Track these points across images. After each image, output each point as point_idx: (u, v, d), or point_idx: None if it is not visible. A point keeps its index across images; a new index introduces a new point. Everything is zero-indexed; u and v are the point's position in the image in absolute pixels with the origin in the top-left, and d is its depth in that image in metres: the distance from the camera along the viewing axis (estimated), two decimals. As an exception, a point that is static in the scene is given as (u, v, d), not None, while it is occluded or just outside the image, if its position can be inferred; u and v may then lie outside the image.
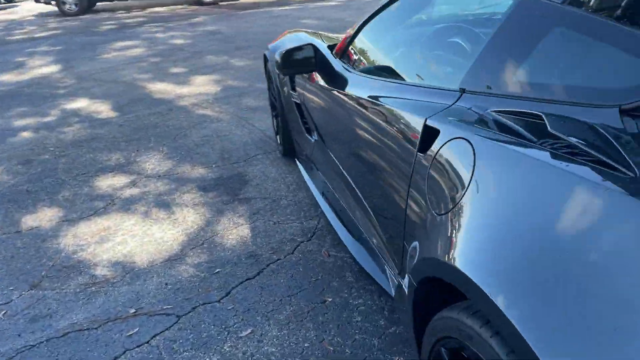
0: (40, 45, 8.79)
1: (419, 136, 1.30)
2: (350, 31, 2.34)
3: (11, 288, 2.31)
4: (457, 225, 1.03)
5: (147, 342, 1.93)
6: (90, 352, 1.90)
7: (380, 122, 1.61)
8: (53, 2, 13.03)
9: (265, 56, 3.41)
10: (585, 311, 0.71)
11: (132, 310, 2.11)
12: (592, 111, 0.97)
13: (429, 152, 1.24)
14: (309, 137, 2.75)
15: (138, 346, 1.92)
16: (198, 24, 10.62)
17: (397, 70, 1.90)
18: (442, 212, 1.09)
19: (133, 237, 2.66)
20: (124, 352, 1.89)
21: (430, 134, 1.27)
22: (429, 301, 1.22)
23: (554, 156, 0.92)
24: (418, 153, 1.29)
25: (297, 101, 2.79)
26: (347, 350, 1.83)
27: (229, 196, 3.03)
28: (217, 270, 2.34)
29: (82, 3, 13.06)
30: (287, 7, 12.03)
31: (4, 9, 16.13)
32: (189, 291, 2.20)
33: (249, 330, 1.96)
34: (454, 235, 1.03)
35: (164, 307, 2.12)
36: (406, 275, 1.37)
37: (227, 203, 2.94)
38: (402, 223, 1.40)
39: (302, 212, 2.78)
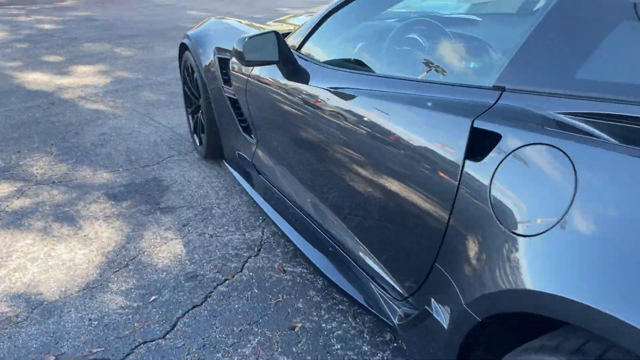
0: None
1: (466, 140, 1.10)
2: (306, 21, 2.09)
3: None
4: (560, 246, 0.85)
5: (80, 401, 1.51)
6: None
7: (386, 123, 1.39)
8: None
9: (184, 45, 3.00)
10: None
11: (52, 358, 1.65)
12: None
13: (486, 160, 1.05)
14: (248, 137, 2.43)
15: (68, 408, 1.49)
16: (67, 8, 9.48)
17: (391, 66, 1.69)
18: (533, 232, 0.90)
19: (33, 261, 2.14)
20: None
21: (481, 138, 1.08)
22: (490, 340, 1.04)
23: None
24: (466, 160, 1.09)
25: (233, 96, 2.46)
26: (333, 385, 1.59)
27: (148, 205, 2.59)
28: (153, 297, 1.94)
29: None
30: (168, -4, 11.25)
31: None
32: (122, 327, 1.79)
33: (211, 372, 1.62)
34: (557, 258, 0.84)
35: (94, 351, 1.69)
36: (441, 307, 1.17)
37: (148, 214, 2.51)
38: (437, 243, 1.19)
39: (240, 222, 2.45)
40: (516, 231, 0.94)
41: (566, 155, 0.90)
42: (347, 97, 1.59)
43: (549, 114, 1.01)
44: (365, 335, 1.78)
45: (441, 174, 1.16)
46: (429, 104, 1.27)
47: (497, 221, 0.99)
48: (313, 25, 1.93)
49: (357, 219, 1.62)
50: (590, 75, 1.04)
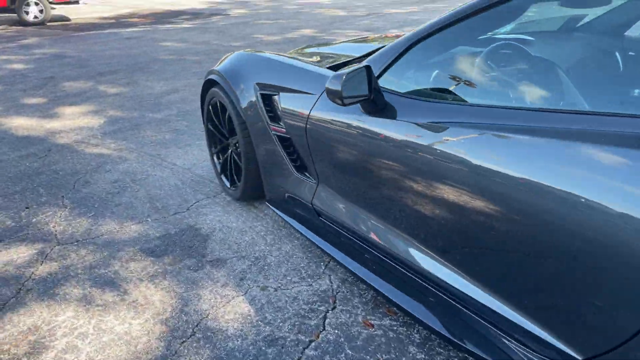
0: None
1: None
2: (375, 50, 1.93)
3: None
4: None
5: None
6: None
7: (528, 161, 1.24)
8: None
9: (210, 81, 2.79)
10: None
11: None
12: None
13: None
14: (305, 177, 2.24)
15: None
16: (31, 46, 9.08)
17: (521, 95, 1.55)
18: None
19: (84, 338, 1.87)
20: None
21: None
22: None
23: None
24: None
25: (283, 135, 2.27)
26: None
27: (193, 259, 2.35)
28: (237, 370, 1.71)
29: None
30: (134, 29, 10.98)
31: None
32: (214, 411, 1.55)
33: None
34: None
35: None
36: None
37: (197, 269, 2.27)
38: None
39: (302, 270, 2.24)
40: None
41: None
42: (457, 132, 1.43)
43: None
44: (491, 394, 1.59)
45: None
46: (602, 139, 1.12)
47: None
48: (394, 55, 1.77)
49: (488, 263, 1.45)
50: None
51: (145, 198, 2.97)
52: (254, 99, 2.41)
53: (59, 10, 14.00)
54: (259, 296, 2.07)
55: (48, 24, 11.99)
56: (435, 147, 1.51)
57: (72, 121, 4.50)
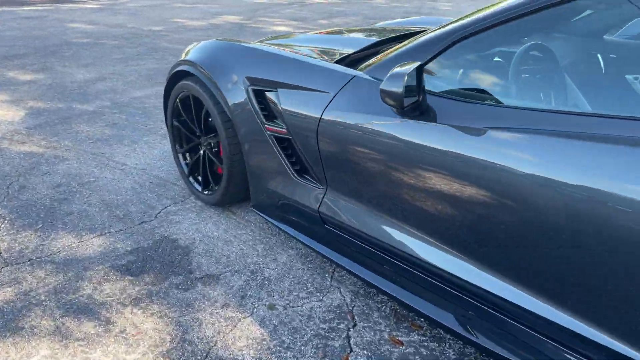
0: None
1: None
2: (403, 44, 1.78)
3: None
4: None
5: None
6: None
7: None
8: None
9: (181, 72, 2.49)
10: None
11: None
12: None
13: None
14: (310, 183, 2.04)
15: None
16: None
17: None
18: None
19: (72, 384, 1.55)
20: None
21: None
22: None
23: None
24: None
25: (283, 135, 2.05)
26: None
27: (179, 276, 2.07)
28: (270, 408, 1.50)
29: None
30: (33, 8, 9.91)
31: None
32: None
33: None
34: None
35: None
36: None
37: (187, 288, 2.00)
38: None
39: (307, 284, 2.06)
40: None
41: None
42: (516, 138, 1.34)
43: None
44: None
45: None
46: None
47: None
48: (433, 51, 1.63)
49: (533, 266, 1.37)
50: None
51: (100, 205, 2.60)
52: (243, 94, 2.17)
53: None
54: (268, 316, 1.86)
55: None
56: (476, 152, 1.40)
57: (-16, 113, 3.88)
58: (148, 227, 2.41)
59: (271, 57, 2.15)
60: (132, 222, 2.44)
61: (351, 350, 1.72)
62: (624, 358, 1.23)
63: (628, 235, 1.14)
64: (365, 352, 1.72)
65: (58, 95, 4.41)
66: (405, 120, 1.59)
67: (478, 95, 1.59)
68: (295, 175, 2.08)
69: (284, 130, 2.05)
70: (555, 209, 1.25)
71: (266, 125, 2.11)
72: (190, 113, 2.57)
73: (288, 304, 1.93)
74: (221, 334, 1.77)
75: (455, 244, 1.56)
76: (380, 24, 3.36)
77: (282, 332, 1.79)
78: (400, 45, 1.83)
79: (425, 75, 1.64)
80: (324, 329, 1.81)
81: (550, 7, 1.43)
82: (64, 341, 1.71)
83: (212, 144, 2.54)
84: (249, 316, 1.86)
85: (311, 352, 1.71)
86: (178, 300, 1.93)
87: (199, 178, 2.68)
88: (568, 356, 1.35)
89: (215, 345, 1.72)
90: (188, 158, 2.74)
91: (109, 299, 1.92)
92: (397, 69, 1.47)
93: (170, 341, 1.73)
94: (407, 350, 1.73)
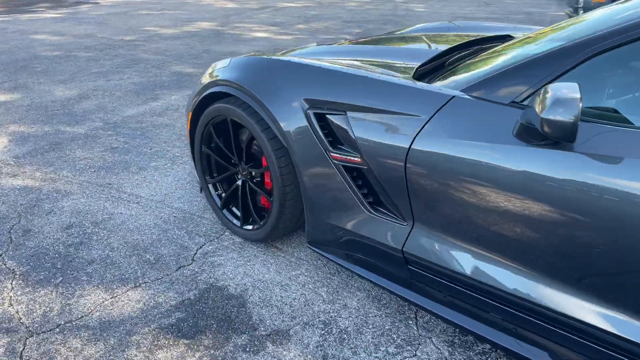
0: None
1: None
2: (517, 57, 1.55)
3: None
4: None
5: None
6: None
7: None
8: None
9: (215, 95, 2.19)
10: None
11: None
12: None
13: None
14: (390, 219, 1.78)
15: None
16: None
17: None
18: None
19: None
20: None
21: None
22: None
23: None
24: None
25: (356, 165, 1.78)
26: None
27: (243, 335, 1.77)
28: None
29: None
30: (-9, 18, 9.24)
31: None
32: None
33: None
34: None
35: None
36: None
37: (256, 350, 1.71)
38: None
39: (392, 334, 1.79)
40: None
41: None
42: None
43: None
44: None
45: None
46: None
47: None
48: (565, 66, 1.39)
49: None
50: None
51: (124, 248, 2.26)
52: (301, 118, 1.89)
53: None
54: (363, 381, 1.59)
55: None
56: (620, 184, 1.19)
57: (-39, 142, 3.44)
58: (188, 273, 2.09)
59: (336, 76, 1.87)
60: (168, 269, 2.12)
61: (472, 419, 1.47)
62: None
63: None
64: (489, 419, 1.47)
65: (41, 117, 3.99)
66: (540, 149, 1.35)
67: (619, 117, 1.37)
68: (369, 208, 1.82)
69: (356, 159, 1.78)
70: None
71: (332, 154, 1.83)
72: (226, 139, 2.27)
73: (380, 362, 1.67)
74: (315, 409, 1.49)
75: (589, 289, 1.34)
76: (399, 33, 3.11)
77: (385, 400, 1.52)
78: (490, 58, 1.60)
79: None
80: (432, 392, 1.56)
81: None
82: None
83: (252, 173, 2.24)
84: (340, 382, 1.58)
85: None
86: (251, 367, 1.63)
87: (235, 211, 2.37)
88: None
89: None
90: (220, 189, 2.43)
91: (168, 371, 1.61)
92: (560, 93, 1.22)
93: None
94: (535, 413, 1.49)
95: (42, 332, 1.76)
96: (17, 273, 2.08)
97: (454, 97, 1.57)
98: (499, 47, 1.93)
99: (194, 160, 2.47)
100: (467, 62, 1.90)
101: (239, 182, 2.30)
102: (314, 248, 2.06)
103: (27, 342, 1.72)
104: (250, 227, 2.27)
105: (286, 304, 1.93)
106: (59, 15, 10.05)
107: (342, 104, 1.80)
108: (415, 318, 1.87)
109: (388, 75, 1.84)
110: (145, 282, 2.03)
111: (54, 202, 2.65)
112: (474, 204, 1.50)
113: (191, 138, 2.45)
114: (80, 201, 2.67)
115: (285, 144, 1.95)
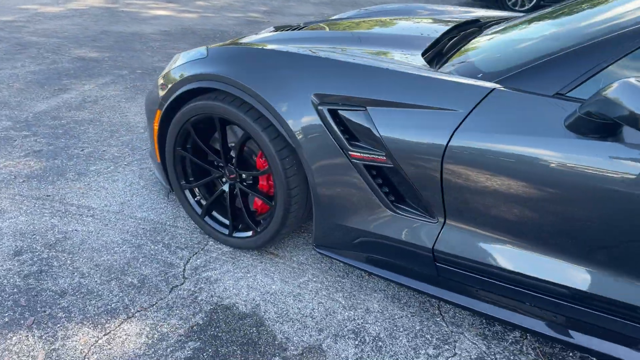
0: None
1: None
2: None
3: None
4: None
5: None
6: None
7: None
8: None
9: (195, 91, 1.94)
10: None
11: None
12: None
13: None
14: (414, 216, 1.71)
15: None
16: None
17: None
18: None
19: None
20: None
21: None
22: None
23: None
24: None
25: (379, 163, 1.68)
26: None
27: (274, 358, 1.62)
28: None
29: None
30: None
31: None
32: None
33: None
34: None
35: None
36: None
37: (295, 373, 1.57)
38: None
39: (427, 336, 1.74)
40: None
41: None
42: None
43: None
44: None
45: None
46: None
47: None
48: (623, 53, 1.39)
49: None
50: None
51: (97, 273, 1.95)
52: (313, 115, 1.73)
53: None
54: (417, 391, 1.53)
55: None
56: None
57: None
58: (184, 294, 1.86)
59: (353, 69, 1.73)
60: (159, 292, 1.87)
61: (533, 413, 1.47)
62: None
63: None
64: (548, 410, 1.48)
65: None
66: (597, 142, 1.35)
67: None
68: (392, 208, 1.73)
69: (380, 157, 1.67)
70: None
71: (351, 152, 1.70)
72: (208, 139, 2.03)
73: (426, 368, 1.61)
74: None
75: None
76: (360, 16, 3.00)
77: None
78: (511, 43, 1.56)
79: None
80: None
81: None
82: None
83: (242, 175, 2.04)
84: (395, 396, 1.50)
85: None
86: (296, 394, 1.49)
87: (220, 218, 2.16)
88: None
89: None
90: (199, 194, 2.19)
91: (207, 415, 1.41)
92: (631, 81, 1.20)
93: None
94: (585, 396, 1.54)
95: (33, 391, 1.46)
96: (-29, 319, 1.70)
97: (493, 89, 1.52)
98: (509, 30, 1.93)
99: (163, 163, 2.20)
100: (477, 47, 1.86)
101: (225, 187, 2.08)
102: (323, 252, 1.93)
103: (18, 406, 1.41)
104: (243, 234, 2.07)
105: (306, 315, 1.79)
106: None
107: (361, 99, 1.67)
108: (441, 314, 1.83)
109: (409, 67, 1.73)
110: (138, 311, 1.77)
111: (-14, 225, 2.22)
112: (515, 197, 1.47)
113: (159, 138, 2.16)
114: (20, 220, 2.26)
115: (292, 143, 1.79)
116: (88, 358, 1.57)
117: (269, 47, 1.93)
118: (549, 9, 2.13)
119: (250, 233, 2.05)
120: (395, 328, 1.75)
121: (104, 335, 1.66)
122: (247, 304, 1.83)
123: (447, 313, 1.83)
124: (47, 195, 2.47)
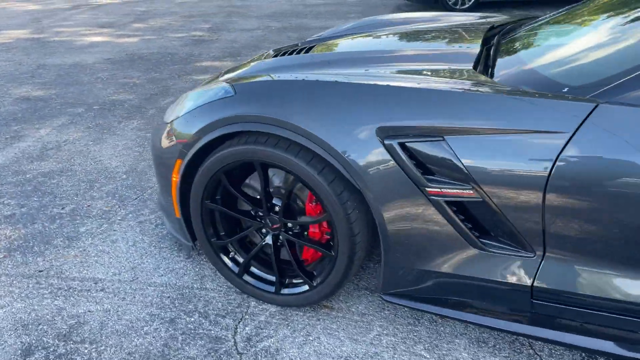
0: None
1: None
2: None
3: None
4: None
5: None
6: None
7: None
8: None
9: (227, 136, 1.67)
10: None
11: None
12: None
13: None
14: (509, 251, 1.53)
15: None
16: None
17: None
18: None
19: None
20: None
21: None
22: None
23: None
24: None
25: (466, 197, 1.48)
26: None
27: None
28: None
29: None
30: None
31: None
32: None
33: None
34: None
35: None
36: None
37: None
38: None
39: (531, 381, 1.56)
40: None
41: None
42: None
43: None
44: None
45: None
46: None
47: None
48: None
49: None
50: None
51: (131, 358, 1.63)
52: (380, 151, 1.52)
53: None
54: None
55: None
56: None
57: None
58: (247, 375, 1.58)
59: (420, 95, 1.53)
60: (216, 376, 1.58)
61: None
62: None
63: None
64: None
65: None
66: None
67: None
68: (479, 245, 1.54)
69: (466, 191, 1.48)
70: None
71: (428, 189, 1.50)
72: (245, 187, 1.77)
73: (549, 421, 1.42)
74: None
75: None
76: (346, 27, 2.80)
77: None
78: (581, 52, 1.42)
79: None
80: None
81: None
82: None
83: (288, 224, 1.79)
84: None
85: None
86: None
87: (261, 274, 1.90)
88: None
89: None
90: (232, 250, 1.91)
91: None
92: None
93: None
94: None
95: None
96: None
97: (597, 105, 1.36)
98: (557, 35, 1.79)
99: (186, 217, 1.90)
100: (536, 58, 1.71)
101: (268, 239, 1.82)
102: (393, 300, 1.71)
103: None
104: (296, 290, 1.82)
105: (397, 379, 1.56)
106: None
107: (436, 128, 1.47)
108: (536, 354, 1.66)
109: (485, 87, 1.55)
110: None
111: (-26, 320, 1.83)
112: (630, 221, 1.33)
113: (180, 191, 1.87)
114: (17, 307, 1.89)
115: (356, 185, 1.56)
116: None
117: (312, 78, 1.69)
118: (575, 7, 2.03)
119: (305, 288, 1.80)
120: (497, 378, 1.56)
121: None
122: (325, 376, 1.57)
123: (543, 352, 1.67)
124: (40, 271, 2.09)
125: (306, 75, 1.78)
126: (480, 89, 1.51)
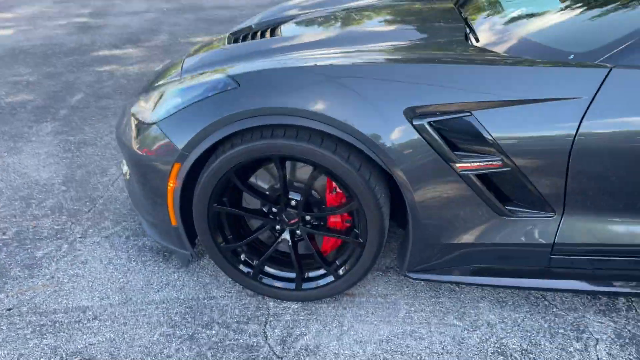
0: None
1: None
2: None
3: None
4: None
5: None
6: None
7: None
8: None
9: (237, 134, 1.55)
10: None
11: None
12: None
13: None
14: (530, 214, 1.61)
15: None
16: None
17: None
18: None
19: None
20: None
21: None
22: None
23: None
24: None
25: (494, 169, 1.53)
26: None
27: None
28: None
29: None
30: None
31: None
32: None
33: None
34: None
35: None
36: None
37: None
38: None
39: (563, 333, 1.69)
40: None
41: None
42: None
43: None
44: None
45: None
46: None
47: None
48: None
49: None
50: None
51: (170, 391, 1.49)
52: (409, 132, 1.51)
53: None
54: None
55: None
56: None
57: None
58: (296, 378, 1.52)
59: (444, 73, 1.53)
60: (265, 386, 1.50)
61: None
62: None
63: None
64: None
65: None
66: None
67: None
68: (506, 212, 1.61)
69: (495, 163, 1.53)
70: None
71: (458, 165, 1.53)
72: (260, 184, 1.66)
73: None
74: None
75: None
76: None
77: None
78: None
79: None
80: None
81: None
82: None
83: (306, 218, 1.72)
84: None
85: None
86: None
87: (276, 273, 1.82)
88: None
89: None
90: (243, 253, 1.80)
91: None
92: None
93: None
94: None
95: None
96: None
97: (610, 69, 1.46)
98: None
99: (186, 224, 1.75)
100: (528, 26, 1.79)
101: (286, 235, 1.74)
102: (418, 276, 1.75)
103: None
104: (321, 282, 1.77)
105: (443, 352, 1.60)
106: None
107: (463, 104, 1.49)
108: (551, 304, 1.79)
109: (503, 59, 1.59)
110: (265, 422, 1.39)
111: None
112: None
113: (181, 196, 1.70)
114: (1, 356, 1.62)
115: (387, 168, 1.54)
116: None
117: (322, 63, 1.61)
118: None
119: (329, 279, 1.75)
120: (527, 334, 1.66)
121: None
122: (374, 363, 1.56)
123: (556, 301, 1.80)
124: (8, 309, 1.81)
125: (316, 61, 1.67)
126: (497, 62, 1.55)
